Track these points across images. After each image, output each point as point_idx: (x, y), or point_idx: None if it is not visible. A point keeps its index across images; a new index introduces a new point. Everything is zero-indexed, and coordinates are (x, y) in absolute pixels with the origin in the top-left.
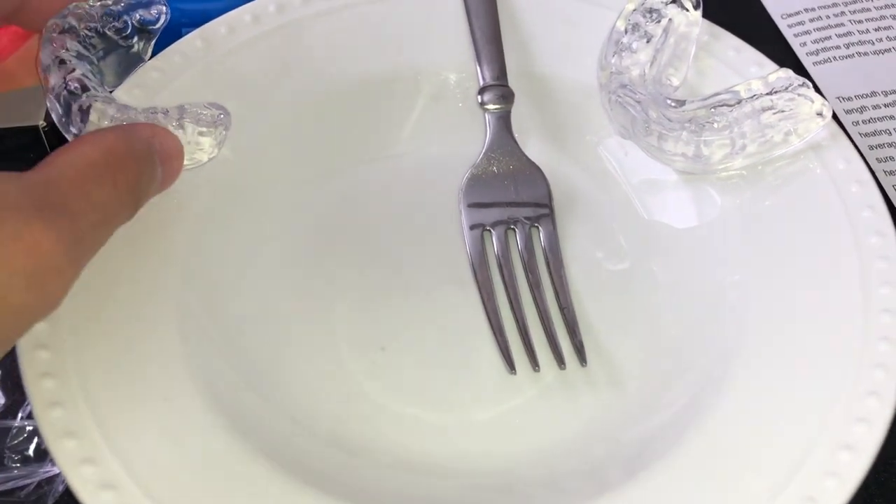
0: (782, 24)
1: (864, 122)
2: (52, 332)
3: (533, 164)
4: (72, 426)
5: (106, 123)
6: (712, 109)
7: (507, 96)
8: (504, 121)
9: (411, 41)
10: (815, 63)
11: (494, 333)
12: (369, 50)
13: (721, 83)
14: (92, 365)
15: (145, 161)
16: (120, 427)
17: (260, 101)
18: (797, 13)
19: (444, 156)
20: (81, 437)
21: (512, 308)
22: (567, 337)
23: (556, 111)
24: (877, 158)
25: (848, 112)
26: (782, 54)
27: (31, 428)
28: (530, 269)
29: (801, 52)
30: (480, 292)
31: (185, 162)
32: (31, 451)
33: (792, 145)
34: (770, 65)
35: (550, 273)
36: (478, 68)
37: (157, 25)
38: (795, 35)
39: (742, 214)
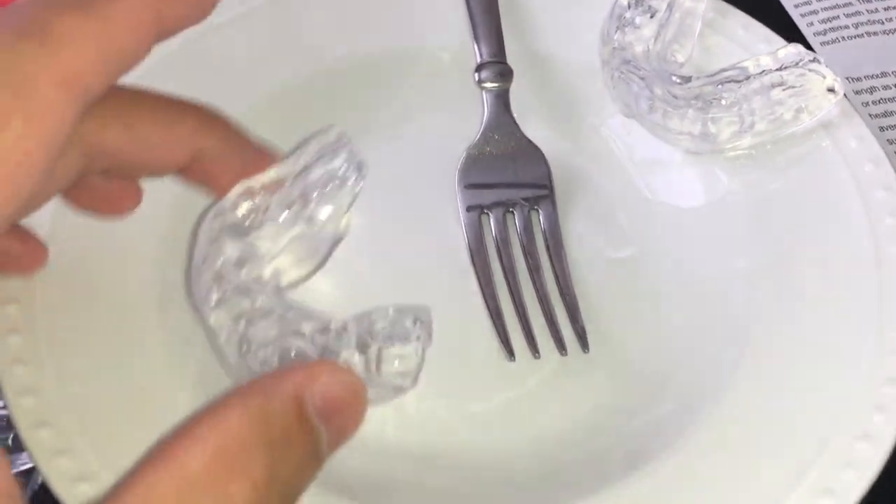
0: (788, 4)
1: (874, 102)
2: (26, 319)
3: (532, 144)
4: (45, 416)
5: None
6: (719, 86)
7: (505, 74)
8: (502, 99)
9: (404, 17)
10: (822, 43)
11: (493, 319)
12: (361, 27)
13: (728, 60)
14: (67, 352)
15: (292, 442)
16: (96, 417)
17: (247, 80)
18: None
19: (440, 136)
20: (56, 427)
21: (511, 293)
22: (568, 323)
23: (557, 90)
24: (888, 140)
25: (857, 93)
26: (789, 34)
27: (7, 419)
28: (530, 253)
29: (808, 32)
30: (478, 277)
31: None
32: (9, 442)
33: (802, 123)
34: (779, 41)
35: (550, 257)
36: (475, 45)
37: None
38: (802, 15)
39: (750, 195)
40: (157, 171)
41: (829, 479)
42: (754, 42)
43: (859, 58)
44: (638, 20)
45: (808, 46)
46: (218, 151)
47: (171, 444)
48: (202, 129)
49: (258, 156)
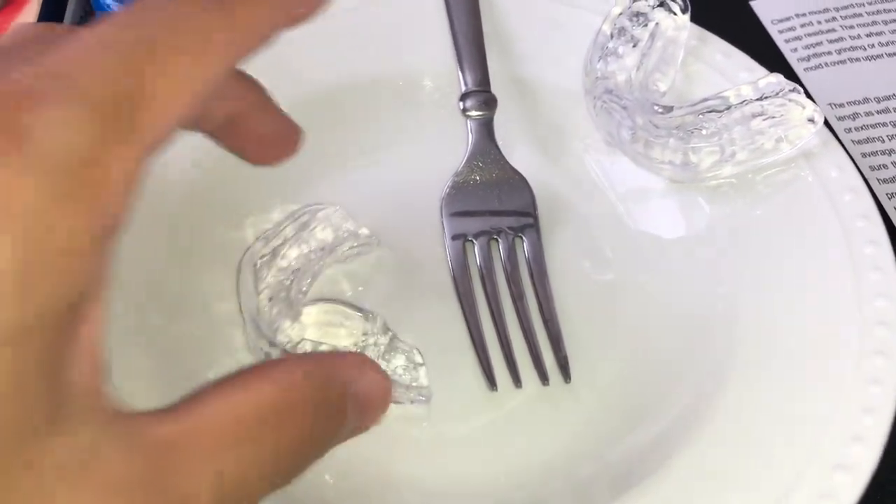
0: (773, 30)
1: (856, 129)
2: None
3: (517, 172)
4: None
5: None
6: (700, 116)
7: (489, 102)
8: (487, 127)
9: (390, 45)
10: (806, 69)
11: (475, 348)
12: (346, 55)
13: (710, 88)
14: None
15: (331, 416)
16: None
17: None
18: (788, 18)
19: (424, 163)
20: None
21: (494, 321)
22: (551, 351)
23: (541, 118)
24: (870, 166)
25: (840, 119)
26: (773, 60)
27: None
28: (513, 281)
29: (792, 58)
30: (461, 304)
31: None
32: None
33: (783, 152)
34: (760, 70)
35: (534, 285)
36: (459, 74)
37: None
38: (786, 41)
39: (731, 224)
40: (197, 125)
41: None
42: (735, 70)
43: (842, 84)
44: (620, 49)
45: (792, 72)
46: (254, 115)
47: (245, 377)
48: (244, 89)
49: (288, 129)
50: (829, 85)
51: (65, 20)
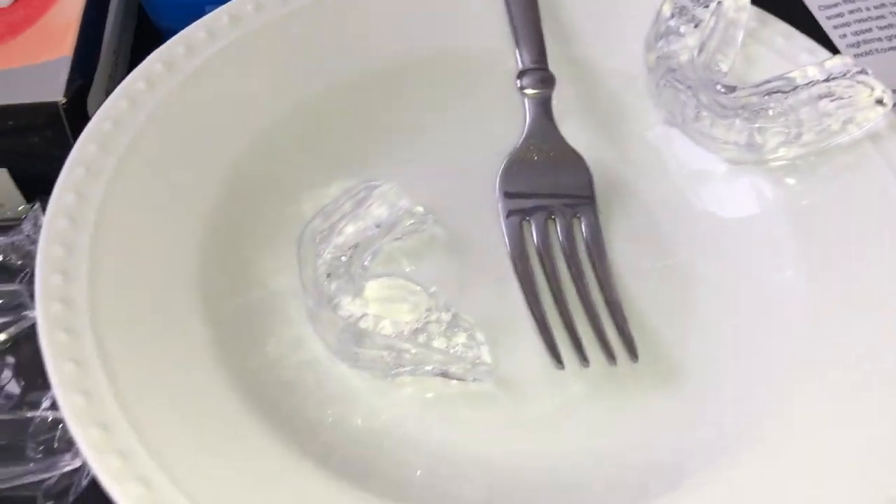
0: (821, 16)
1: None
2: (74, 317)
3: (574, 151)
4: (98, 414)
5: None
6: (766, 96)
7: (546, 80)
8: (544, 106)
9: (447, 22)
10: (856, 55)
11: (538, 326)
12: (404, 32)
13: (770, 70)
14: (117, 351)
15: None
16: (148, 417)
17: (288, 83)
18: (836, 5)
19: (481, 142)
20: (109, 428)
21: (555, 300)
22: (614, 332)
23: (598, 98)
24: None
25: (894, 105)
26: (822, 46)
27: (52, 418)
28: (572, 261)
29: (841, 45)
30: (520, 283)
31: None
32: (55, 443)
33: (849, 134)
34: (821, 52)
35: (593, 264)
36: (516, 51)
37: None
38: (835, 27)
39: (795, 206)
40: None
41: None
42: (796, 52)
43: (893, 70)
44: (682, 29)
45: None
46: None
47: None
48: None
49: None
50: (880, 71)
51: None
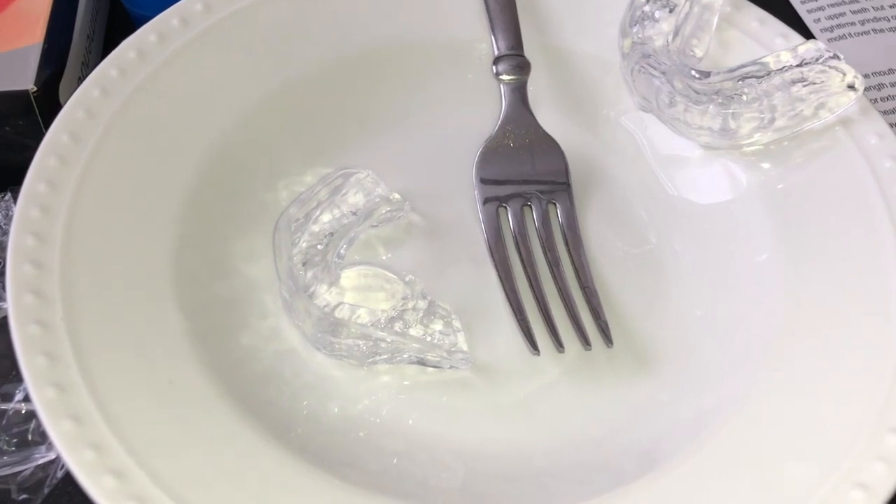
0: (795, 0)
1: (882, 99)
2: (46, 310)
3: (550, 137)
4: (72, 408)
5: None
6: (740, 81)
7: (523, 66)
8: (520, 92)
9: (422, 9)
10: (830, 39)
11: (514, 313)
12: (378, 18)
13: (745, 55)
14: (90, 343)
15: None
16: (123, 410)
17: (263, 70)
18: None
19: (456, 128)
20: (82, 420)
21: (531, 286)
22: (589, 317)
23: (574, 84)
24: None
25: (866, 90)
26: (796, 30)
27: (26, 410)
28: (548, 247)
29: (815, 29)
30: (497, 270)
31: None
32: (28, 436)
33: (822, 119)
34: (795, 37)
35: (569, 251)
36: (492, 37)
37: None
38: (809, 11)
39: (768, 191)
40: None
41: (861, 473)
42: (771, 37)
43: (866, 54)
44: (657, 14)
45: None
46: None
47: None
48: None
49: None
50: (853, 55)
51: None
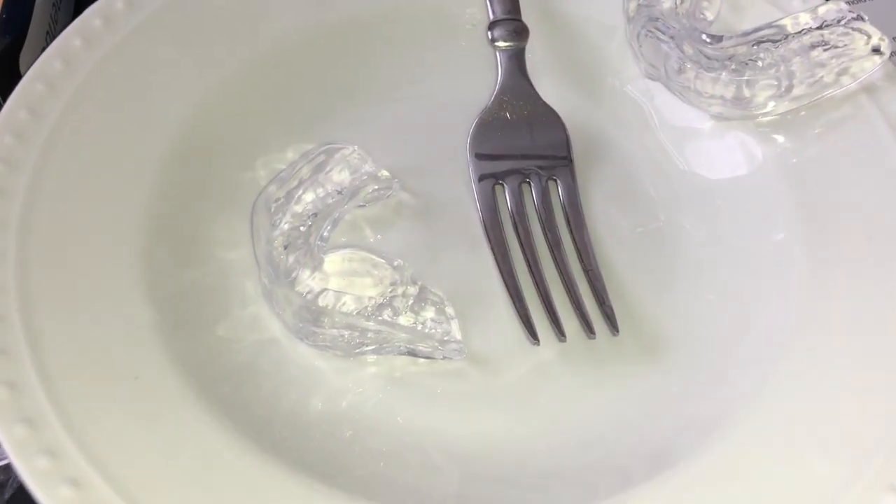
0: None
1: None
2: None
3: (550, 108)
4: (25, 410)
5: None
6: (755, 46)
7: (520, 32)
8: (517, 59)
9: None
10: (849, 1)
11: (512, 299)
12: None
13: (758, 17)
14: (47, 337)
15: None
16: (82, 412)
17: (239, 39)
18: None
19: (449, 100)
20: (38, 425)
21: (530, 270)
22: (593, 303)
23: (575, 50)
24: None
25: (892, 53)
26: None
27: None
28: (549, 227)
29: None
30: (493, 252)
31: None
32: None
33: (843, 86)
34: None
35: (571, 231)
36: (487, 1)
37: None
38: None
39: (785, 165)
40: None
41: (891, 475)
42: None
43: (892, 14)
44: None
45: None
46: None
47: None
48: None
49: None
50: (875, 16)
51: None
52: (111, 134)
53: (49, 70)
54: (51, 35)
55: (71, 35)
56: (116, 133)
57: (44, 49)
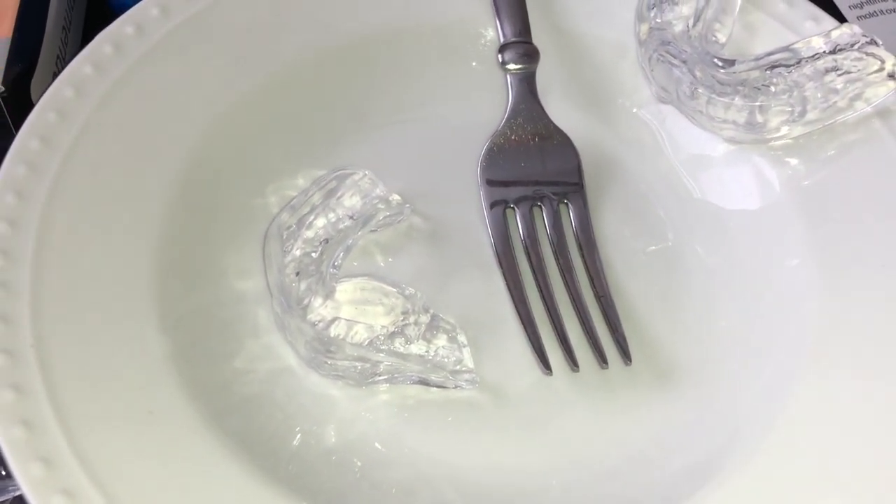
0: None
1: None
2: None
3: (561, 131)
4: (41, 448)
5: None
6: (768, 71)
7: (531, 55)
8: (528, 83)
9: None
10: (859, 17)
11: (525, 327)
12: (374, 3)
13: (771, 41)
14: (62, 373)
15: None
16: (97, 446)
17: (249, 63)
18: None
19: (460, 124)
20: (55, 464)
21: (542, 297)
22: (606, 330)
23: (586, 73)
24: None
25: None
26: (822, 8)
27: None
28: (560, 253)
29: (843, 5)
30: (505, 279)
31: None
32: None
33: (856, 111)
34: (827, 20)
35: (583, 256)
36: (497, 23)
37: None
38: None
39: (798, 189)
40: None
41: None
42: (799, 20)
43: None
44: None
45: (843, 21)
46: None
47: None
48: None
49: None
50: (884, 34)
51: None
52: (123, 162)
53: (60, 98)
54: (61, 61)
55: (82, 62)
56: (128, 161)
57: (55, 75)
